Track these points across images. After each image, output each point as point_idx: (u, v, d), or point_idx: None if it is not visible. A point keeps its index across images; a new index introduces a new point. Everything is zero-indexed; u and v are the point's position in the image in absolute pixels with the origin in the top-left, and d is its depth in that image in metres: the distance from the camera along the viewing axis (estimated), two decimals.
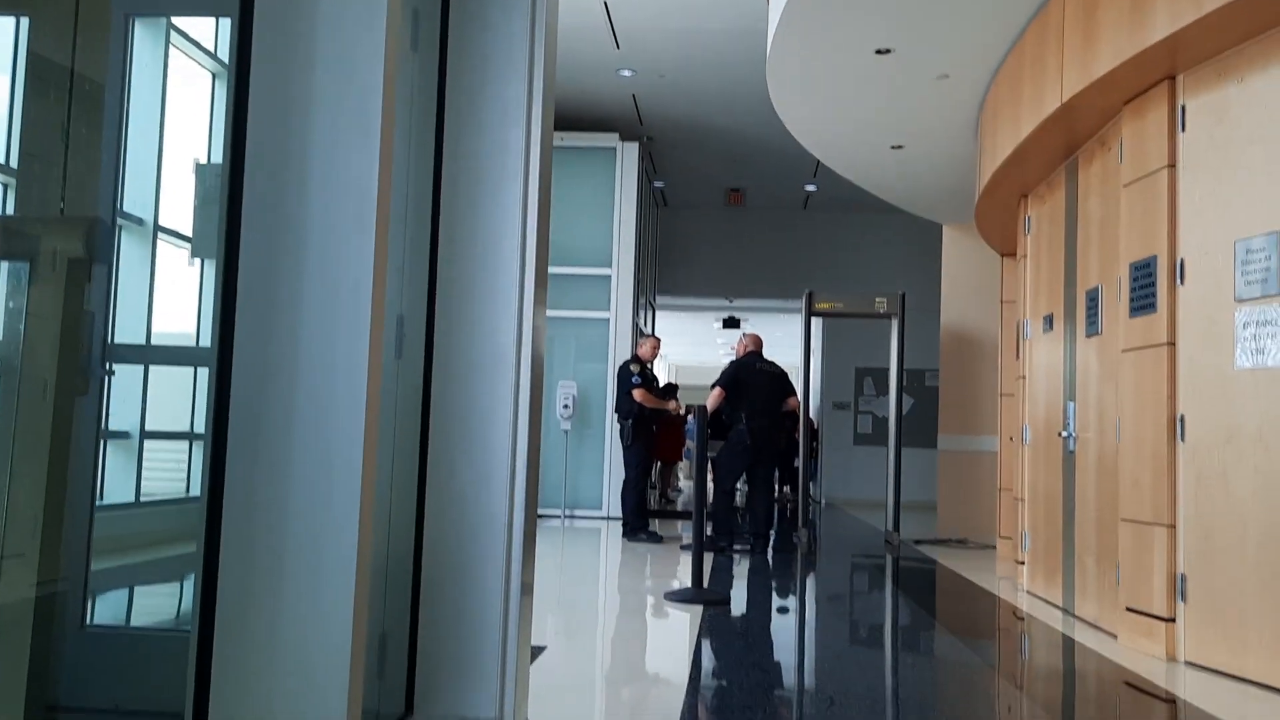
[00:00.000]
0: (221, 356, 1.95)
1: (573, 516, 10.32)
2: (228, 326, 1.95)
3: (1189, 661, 4.13)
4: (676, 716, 3.13)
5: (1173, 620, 4.21)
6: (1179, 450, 4.24)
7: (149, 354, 3.16)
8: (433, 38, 2.96)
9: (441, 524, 2.83)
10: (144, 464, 4.43)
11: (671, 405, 8.94)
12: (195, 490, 3.66)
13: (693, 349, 24.42)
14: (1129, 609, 4.48)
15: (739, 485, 8.30)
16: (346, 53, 1.90)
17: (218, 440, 1.93)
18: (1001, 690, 3.75)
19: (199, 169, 2.86)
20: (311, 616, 1.90)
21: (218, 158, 3.38)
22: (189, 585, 3.69)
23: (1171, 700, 3.68)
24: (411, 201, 2.89)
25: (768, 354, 8.28)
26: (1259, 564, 3.82)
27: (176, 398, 3.90)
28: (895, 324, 9.45)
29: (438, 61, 2.95)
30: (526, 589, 2.96)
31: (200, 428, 3.64)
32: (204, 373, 3.57)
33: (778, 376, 7.98)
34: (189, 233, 3.20)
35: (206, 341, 3.29)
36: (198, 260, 3.23)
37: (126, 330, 3.54)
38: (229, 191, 1.96)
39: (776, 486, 12.03)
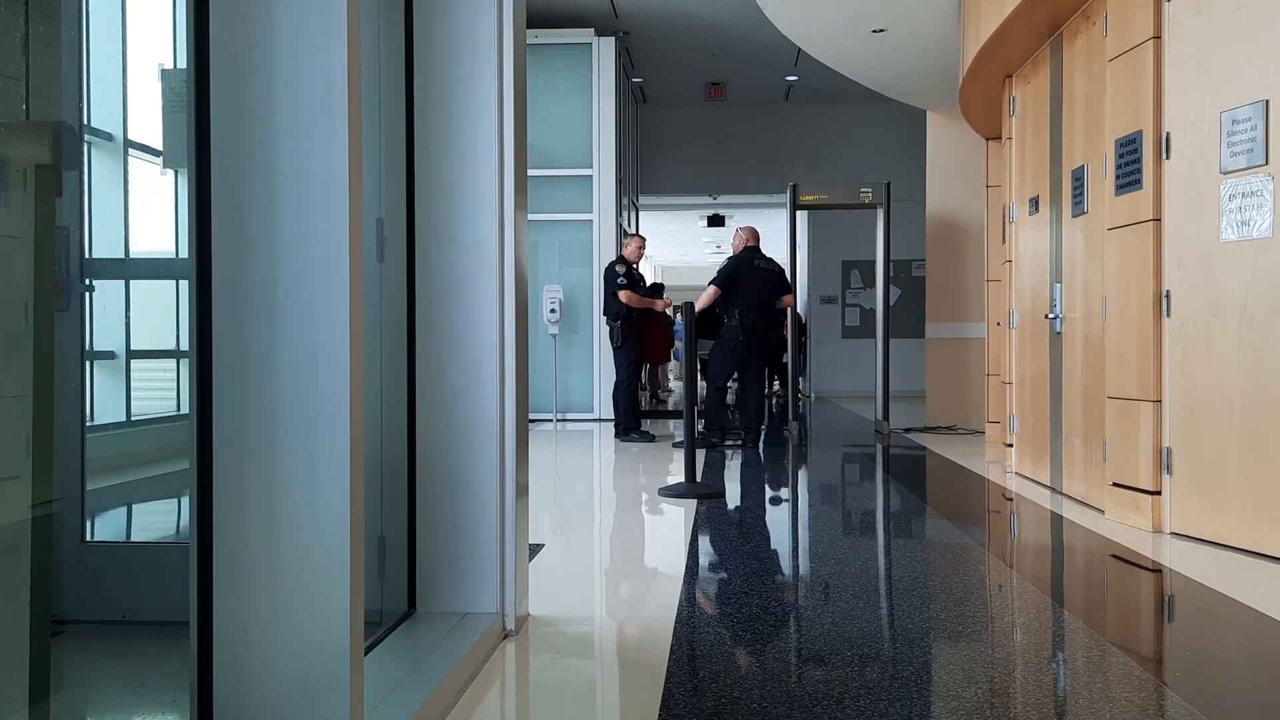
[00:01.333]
0: (200, 267, 1.92)
1: (565, 420, 10.39)
2: (204, 236, 1.92)
3: (1174, 532, 4.21)
4: (674, 606, 3.20)
5: (1158, 493, 4.28)
6: (1164, 326, 4.26)
7: (128, 268, 3.12)
8: None
9: (434, 426, 2.84)
10: (132, 383, 4.42)
11: (659, 304, 8.93)
12: (186, 408, 3.67)
13: (678, 249, 24.30)
14: (1115, 484, 4.55)
15: (730, 382, 8.34)
16: None
17: (202, 353, 1.91)
18: (992, 567, 3.83)
19: (164, 75, 2.78)
20: (308, 518, 1.91)
21: (183, 62, 3.29)
22: (185, 501, 3.72)
23: (1157, 569, 3.76)
24: (384, 102, 2.83)
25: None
26: (1242, 434, 3.87)
27: (161, 314, 3.88)
28: (881, 214, 9.40)
29: None
30: (522, 487, 2.99)
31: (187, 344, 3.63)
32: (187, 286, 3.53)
33: (775, 274, 7.95)
34: (159, 144, 3.14)
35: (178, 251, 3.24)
36: (170, 172, 3.18)
37: (104, 245, 3.49)
38: (195, 98, 1.91)
39: (767, 382, 12.11)
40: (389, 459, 2.88)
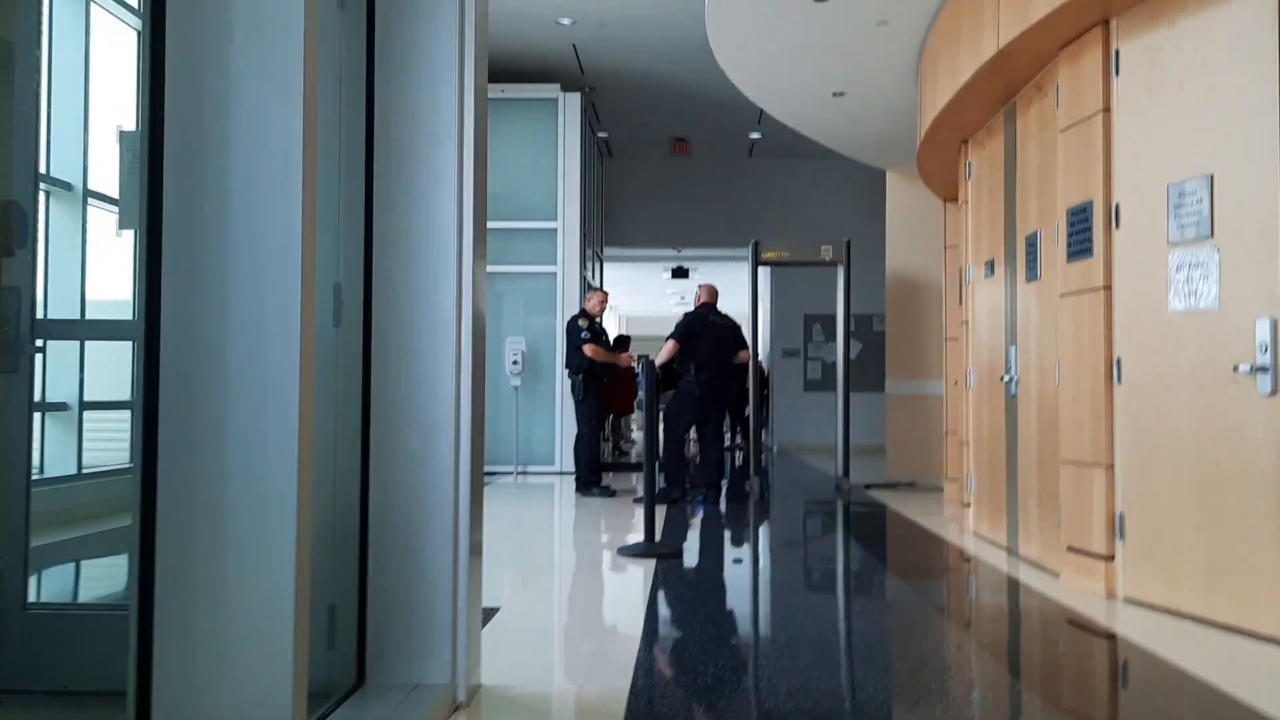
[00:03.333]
0: (149, 327, 1.90)
1: (526, 473, 10.33)
2: (154, 296, 1.90)
3: (1128, 598, 4.25)
4: (630, 673, 3.17)
5: (1112, 559, 4.32)
6: (1116, 392, 4.32)
7: (80, 329, 3.08)
8: None
9: (388, 492, 2.81)
10: (84, 437, 4.33)
11: (622, 358, 8.94)
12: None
13: (642, 300, 24.40)
14: (1070, 548, 4.59)
15: (690, 435, 8.35)
16: (264, 5, 1.84)
17: (149, 415, 1.89)
18: (948, 633, 3.84)
19: (123, 137, 2.77)
20: (254, 588, 1.88)
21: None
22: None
23: (1111, 636, 3.79)
24: (344, 167, 2.83)
25: (720, 303, 8.31)
26: (1193, 503, 3.93)
27: (116, 370, 3.82)
28: (841, 271, 9.50)
29: (365, 19, 2.87)
30: (475, 550, 2.96)
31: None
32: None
33: (730, 329, 8.04)
34: (116, 203, 3.12)
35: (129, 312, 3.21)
36: (128, 231, 3.15)
37: (58, 304, 3.45)
38: (149, 158, 1.91)
39: (728, 435, 12.13)
40: (341, 525, 2.85)
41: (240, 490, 1.89)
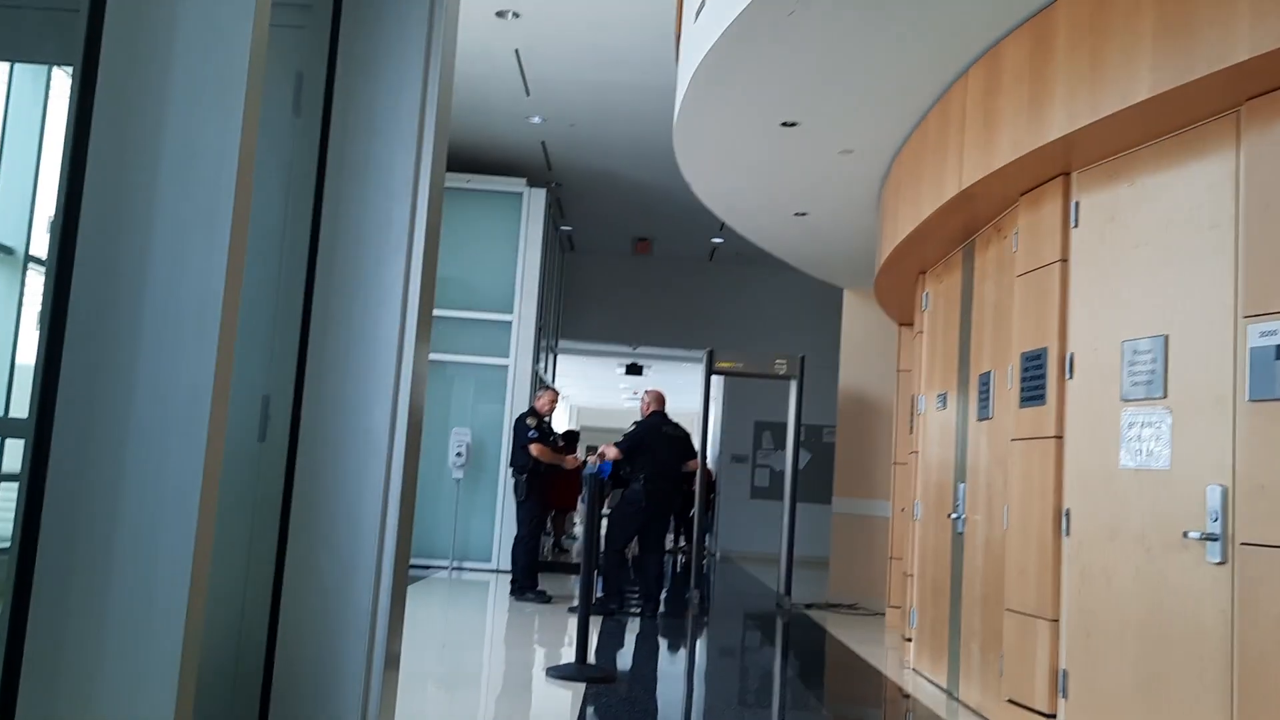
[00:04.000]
0: (42, 410, 1.75)
1: (461, 568, 10.04)
2: (48, 403, 1.75)
3: None
4: None
5: (1054, 717, 4.20)
6: (1064, 544, 4.25)
7: None
8: (316, 101, 2.80)
9: (297, 630, 2.63)
10: None
11: (568, 460, 8.79)
12: None
13: (595, 393, 24.31)
14: (1011, 701, 4.46)
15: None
16: (196, 126, 1.73)
17: (29, 524, 1.73)
18: None
19: (52, 225, 2.64)
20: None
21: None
22: None
23: None
24: (284, 278, 2.72)
25: (671, 403, 8.22)
26: (1137, 666, 3.83)
27: None
28: (794, 385, 9.47)
29: (320, 128, 2.79)
30: (389, 685, 2.78)
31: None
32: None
33: (680, 440, 7.95)
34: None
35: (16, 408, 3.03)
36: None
37: None
38: (58, 262, 1.78)
39: (671, 538, 11.94)
40: (245, 653, 2.66)
41: (122, 623, 1.73)
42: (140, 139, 1.65)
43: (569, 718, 4.37)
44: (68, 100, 1.69)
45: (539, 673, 5.30)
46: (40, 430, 1.76)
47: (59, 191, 1.72)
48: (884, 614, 8.42)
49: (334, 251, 2.76)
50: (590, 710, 4.49)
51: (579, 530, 18.44)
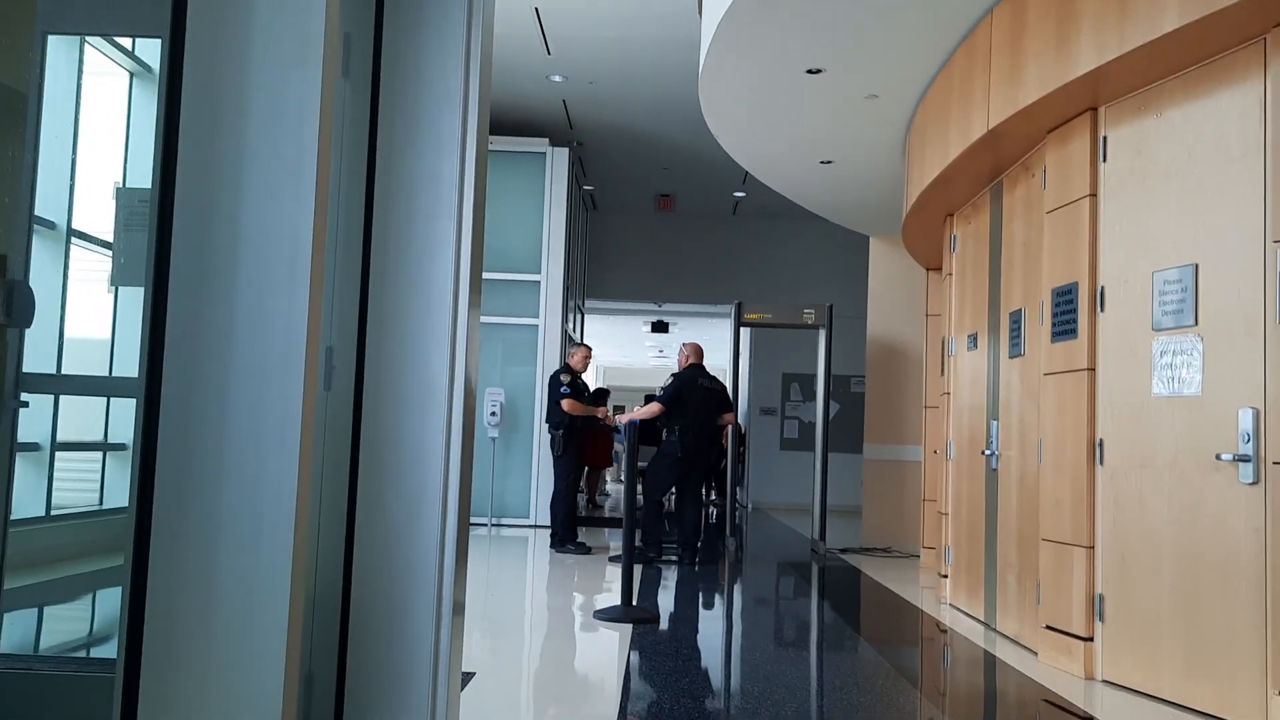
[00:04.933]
0: (149, 393, 1.88)
1: (500, 525, 10.24)
2: (155, 362, 1.88)
3: (1106, 680, 4.24)
4: None
5: (1091, 640, 4.32)
6: (1098, 473, 4.35)
7: (63, 384, 3.05)
8: (365, 62, 2.90)
9: (371, 562, 2.78)
10: (54, 477, 4.26)
11: (600, 412, 8.93)
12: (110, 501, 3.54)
13: (621, 352, 24.43)
14: (1048, 627, 4.58)
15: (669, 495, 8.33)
16: (279, 84, 1.84)
17: (145, 482, 1.86)
18: (924, 708, 3.81)
19: (120, 194, 2.76)
20: (243, 660, 1.85)
21: (135, 179, 3.27)
22: (97, 605, 3.56)
23: (1089, 719, 3.78)
24: (342, 232, 2.83)
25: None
26: (1172, 588, 3.94)
27: (88, 410, 3.78)
28: (823, 335, 9.55)
29: (370, 87, 2.89)
30: (458, 609, 2.92)
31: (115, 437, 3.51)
32: (115, 404, 3.44)
33: (717, 393, 8.04)
34: (106, 257, 3.10)
35: (120, 370, 3.17)
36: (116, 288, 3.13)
37: (38, 357, 3.41)
38: (158, 224, 1.90)
39: (705, 492, 12.10)
40: (322, 589, 2.81)
41: (234, 557, 1.86)
42: (228, 97, 1.76)
43: (620, 656, 4.52)
44: (158, 68, 1.79)
45: (585, 616, 5.46)
46: (150, 389, 1.87)
47: (155, 152, 1.83)
48: (918, 556, 8.55)
49: (388, 210, 2.86)
50: (639, 649, 4.65)
51: (611, 488, 18.66)
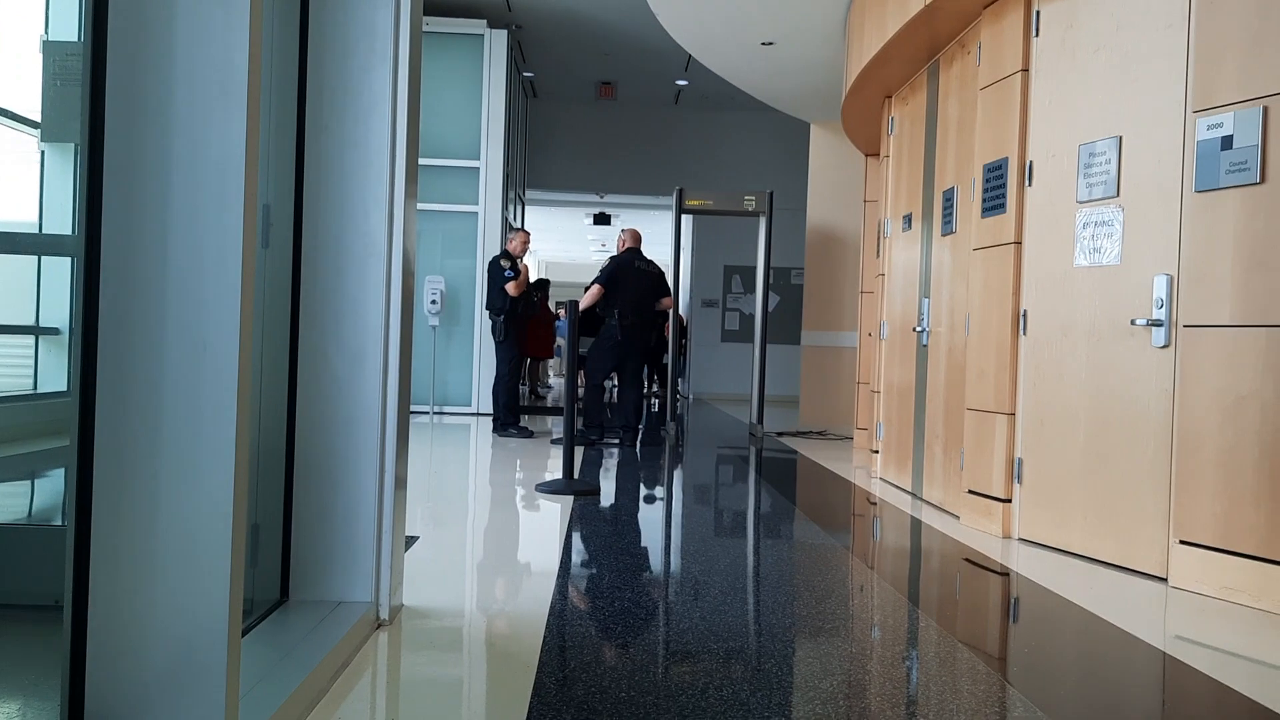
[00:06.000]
0: (89, 247, 1.89)
1: (441, 413, 10.32)
2: (94, 216, 1.89)
3: (1022, 538, 4.47)
4: (548, 599, 3.26)
5: (1009, 501, 4.54)
6: (1021, 344, 4.52)
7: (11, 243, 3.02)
8: None
9: (314, 415, 2.83)
10: None
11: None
12: (44, 386, 3.54)
13: (563, 245, 24.32)
14: (971, 491, 4.80)
15: (609, 381, 8.44)
16: None
17: (87, 333, 1.89)
18: (853, 568, 4.01)
19: (47, 47, 2.70)
20: (189, 507, 1.90)
21: (60, 33, 3.19)
22: (42, 482, 3.59)
23: (1005, 573, 4.00)
24: (276, 86, 2.81)
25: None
26: (1085, 449, 4.14)
27: (21, 288, 3.73)
28: (763, 222, 9.63)
29: None
30: (400, 479, 3.01)
31: (46, 321, 3.50)
32: (48, 262, 3.41)
33: (654, 276, 8.10)
34: (33, 116, 3.04)
35: (51, 228, 3.14)
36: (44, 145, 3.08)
37: None
38: (90, 77, 1.88)
39: (646, 382, 12.26)
40: (266, 446, 2.86)
41: (178, 409, 1.90)
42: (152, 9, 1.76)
43: (560, 522, 4.66)
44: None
45: (528, 490, 5.59)
46: (89, 253, 1.88)
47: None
48: (852, 438, 8.82)
49: (322, 59, 2.84)
50: (579, 517, 4.79)
51: (554, 380, 18.79)
